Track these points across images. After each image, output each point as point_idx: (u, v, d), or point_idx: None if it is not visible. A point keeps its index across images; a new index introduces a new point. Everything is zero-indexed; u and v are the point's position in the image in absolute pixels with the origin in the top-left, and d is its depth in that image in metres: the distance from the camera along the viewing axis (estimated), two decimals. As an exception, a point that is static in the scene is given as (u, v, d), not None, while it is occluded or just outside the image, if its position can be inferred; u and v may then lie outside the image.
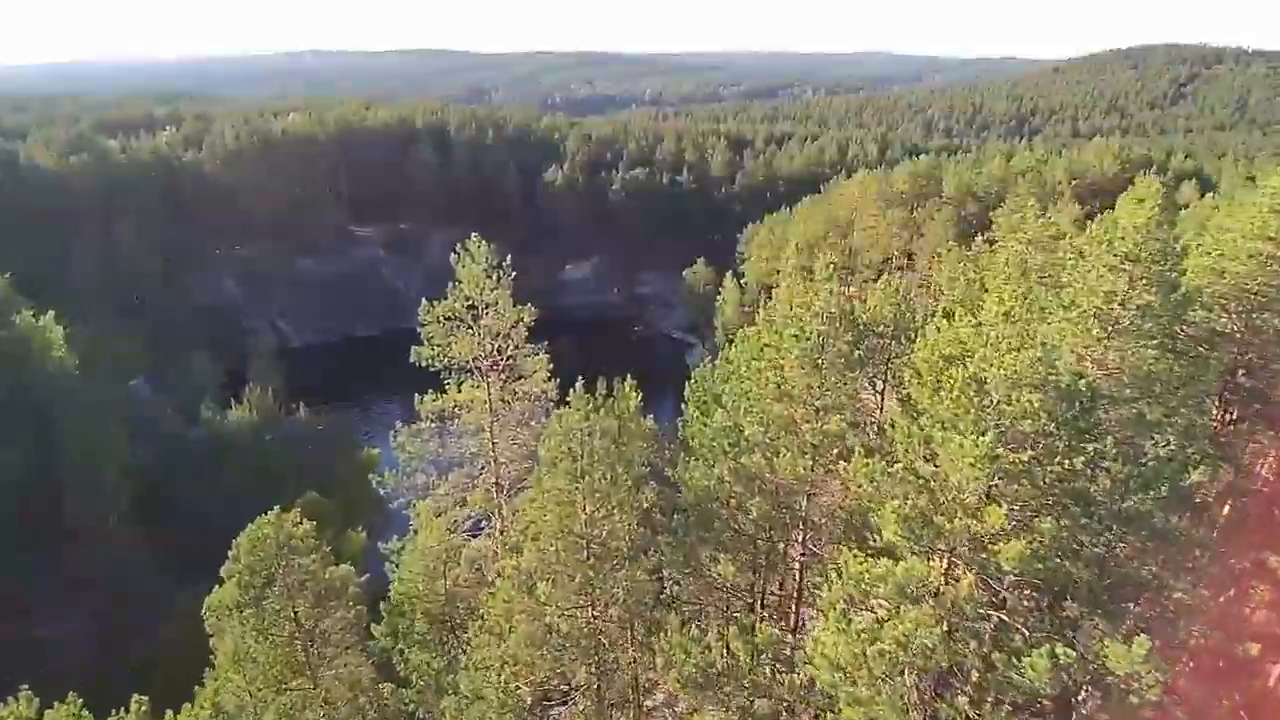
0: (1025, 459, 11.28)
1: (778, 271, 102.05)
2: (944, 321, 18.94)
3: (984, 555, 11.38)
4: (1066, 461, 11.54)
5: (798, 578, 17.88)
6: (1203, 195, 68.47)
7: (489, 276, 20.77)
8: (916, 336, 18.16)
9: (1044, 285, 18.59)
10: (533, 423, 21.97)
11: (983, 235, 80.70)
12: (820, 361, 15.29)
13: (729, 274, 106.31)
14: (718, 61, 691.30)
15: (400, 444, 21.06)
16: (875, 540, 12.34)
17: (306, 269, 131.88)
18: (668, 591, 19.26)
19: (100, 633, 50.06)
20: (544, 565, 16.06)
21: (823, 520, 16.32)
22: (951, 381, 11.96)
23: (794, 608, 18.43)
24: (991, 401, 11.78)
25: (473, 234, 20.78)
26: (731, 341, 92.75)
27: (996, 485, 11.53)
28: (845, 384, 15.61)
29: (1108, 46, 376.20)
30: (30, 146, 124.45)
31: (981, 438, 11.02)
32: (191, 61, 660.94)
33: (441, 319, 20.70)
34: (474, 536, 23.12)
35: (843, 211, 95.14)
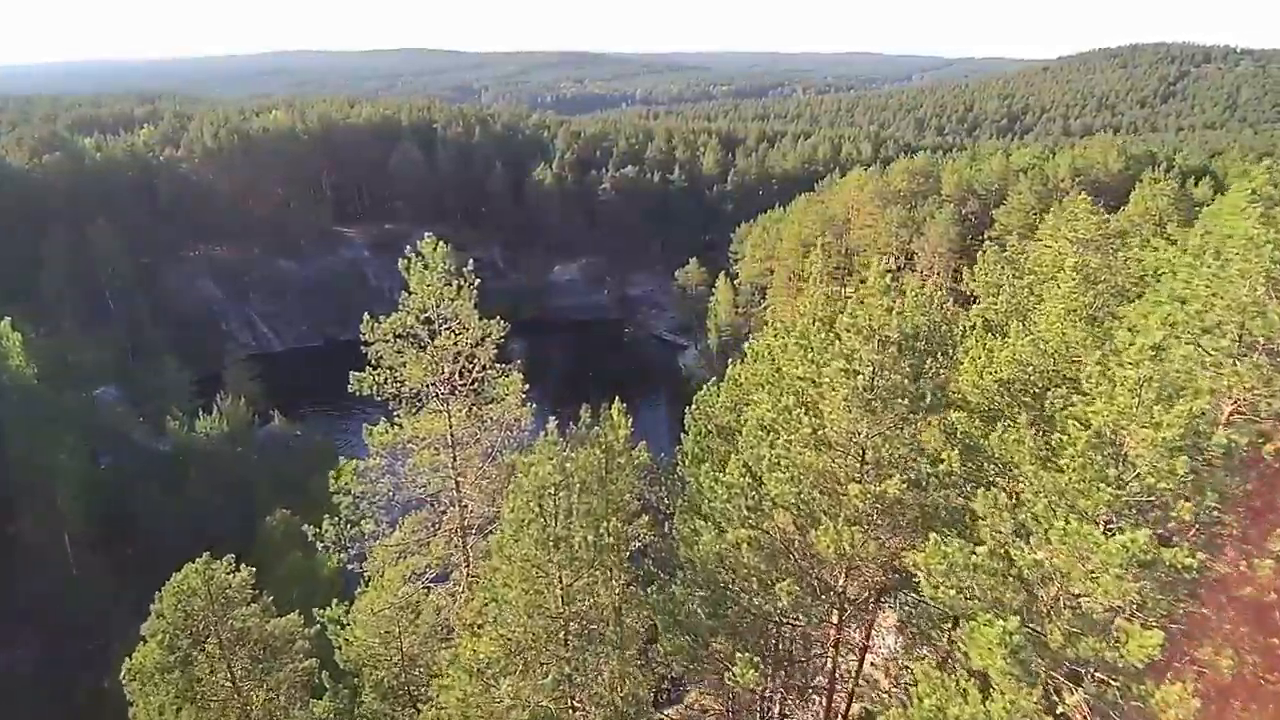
0: (1189, 561, 8.23)
1: (771, 272, 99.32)
2: (987, 335, 15.98)
3: (1120, 692, 8.38)
4: (1244, 563, 8.62)
5: (830, 665, 14.83)
6: (1215, 193, 66.10)
7: (447, 285, 17.55)
8: (955, 353, 15.32)
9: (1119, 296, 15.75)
10: (503, 456, 18.87)
11: (986, 234, 78.58)
12: (874, 402, 12.26)
13: (722, 274, 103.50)
14: (706, 61, 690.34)
15: (342, 486, 17.86)
16: (946, 637, 9.52)
17: (288, 270, 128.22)
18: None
19: (48, 664, 46.78)
20: (508, 653, 13.00)
21: (868, 601, 13.34)
22: (1071, 441, 8.94)
23: (825, 704, 15.38)
24: (1135, 475, 8.77)
25: (427, 234, 17.61)
26: (726, 347, 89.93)
27: (1147, 596, 8.48)
28: (906, 429, 12.67)
29: (1093, 46, 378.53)
30: (1, 145, 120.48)
31: (1132, 534, 8.03)
32: (176, 62, 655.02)
33: (391, 337, 17.46)
34: (440, 582, 20.01)
35: (839, 210, 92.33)
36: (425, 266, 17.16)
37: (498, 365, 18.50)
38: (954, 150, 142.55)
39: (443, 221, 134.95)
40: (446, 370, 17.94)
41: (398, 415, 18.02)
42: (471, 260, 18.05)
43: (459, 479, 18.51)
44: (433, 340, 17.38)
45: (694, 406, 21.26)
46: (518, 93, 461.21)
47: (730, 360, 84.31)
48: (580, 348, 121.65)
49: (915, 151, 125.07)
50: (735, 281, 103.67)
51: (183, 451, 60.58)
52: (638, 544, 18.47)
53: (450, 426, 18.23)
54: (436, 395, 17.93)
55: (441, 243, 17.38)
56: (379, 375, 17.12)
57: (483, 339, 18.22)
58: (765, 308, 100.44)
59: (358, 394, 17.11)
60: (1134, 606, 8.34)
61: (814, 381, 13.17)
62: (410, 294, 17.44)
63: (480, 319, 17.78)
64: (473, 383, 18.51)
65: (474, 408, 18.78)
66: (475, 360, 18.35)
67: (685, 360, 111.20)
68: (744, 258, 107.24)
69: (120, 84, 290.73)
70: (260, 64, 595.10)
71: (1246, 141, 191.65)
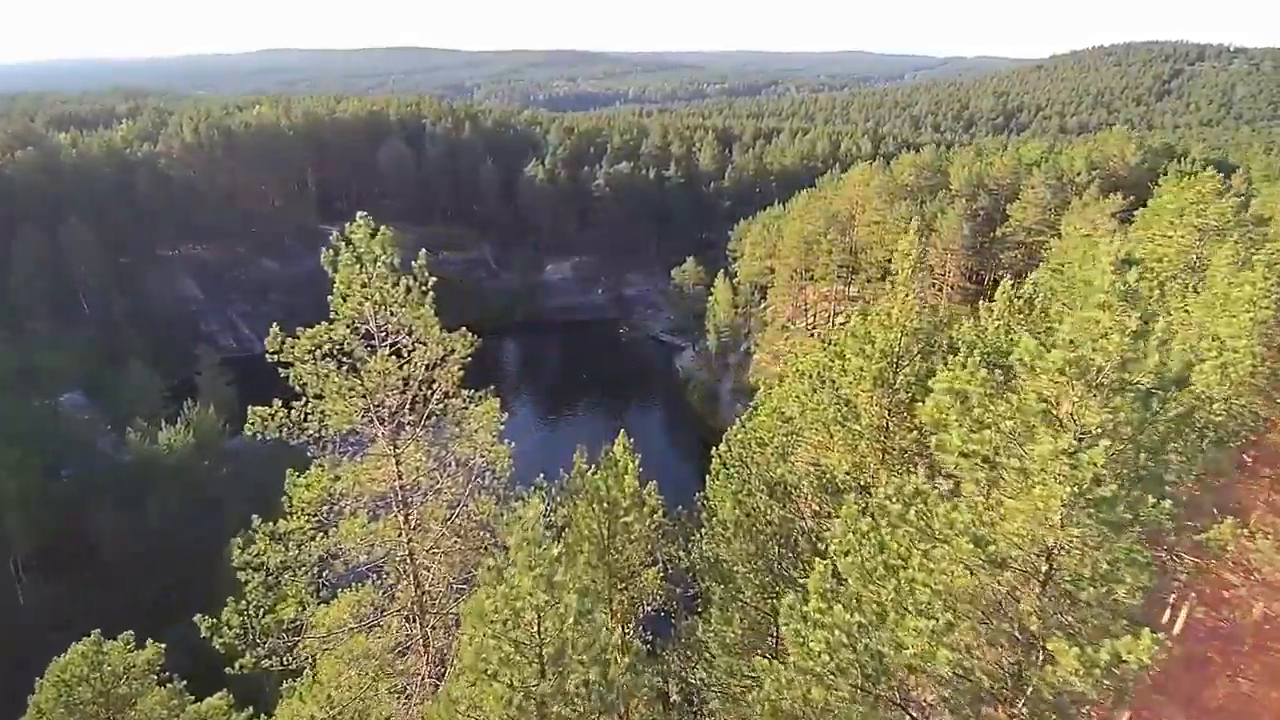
0: None
1: (772, 271, 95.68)
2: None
3: None
4: None
5: None
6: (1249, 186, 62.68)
7: (393, 285, 13.02)
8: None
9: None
10: (473, 505, 14.65)
11: (999, 230, 75.23)
12: (1103, 509, 7.31)
13: (720, 273, 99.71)
14: (700, 60, 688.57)
15: (252, 559, 12.98)
16: None
17: (271, 269, 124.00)
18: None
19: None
20: None
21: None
22: None
23: None
24: None
25: (359, 213, 13.30)
26: (725, 348, 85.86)
27: None
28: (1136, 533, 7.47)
29: (1081, 46, 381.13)
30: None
31: None
32: (165, 60, 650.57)
33: (314, 356, 12.73)
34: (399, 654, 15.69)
35: (843, 206, 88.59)
36: (359, 259, 12.99)
37: (465, 391, 14.17)
38: (954, 147, 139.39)
39: (432, 219, 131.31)
40: (393, 401, 13.42)
41: (320, 460, 13.35)
42: (422, 254, 13.69)
43: (413, 543, 14.07)
44: (374, 358, 13.11)
45: (725, 448, 16.44)
46: (510, 91, 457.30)
47: (734, 366, 79.69)
48: (574, 349, 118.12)
49: (917, 148, 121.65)
50: (734, 281, 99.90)
51: (144, 466, 56.06)
52: (648, 608, 14.61)
53: (400, 476, 13.71)
54: (381, 435, 13.47)
55: (383, 228, 13.20)
56: (300, 409, 12.85)
57: (444, 357, 13.64)
58: (765, 308, 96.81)
59: (258, 436, 12.92)
60: None
61: (985, 460, 8.36)
62: (343, 298, 12.99)
63: (444, 329, 13.46)
64: (429, 416, 14.04)
65: (432, 448, 14.22)
66: (434, 386, 13.81)
67: (683, 362, 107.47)
68: (743, 256, 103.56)
69: (108, 82, 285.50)
70: (250, 62, 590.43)
71: (1244, 138, 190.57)
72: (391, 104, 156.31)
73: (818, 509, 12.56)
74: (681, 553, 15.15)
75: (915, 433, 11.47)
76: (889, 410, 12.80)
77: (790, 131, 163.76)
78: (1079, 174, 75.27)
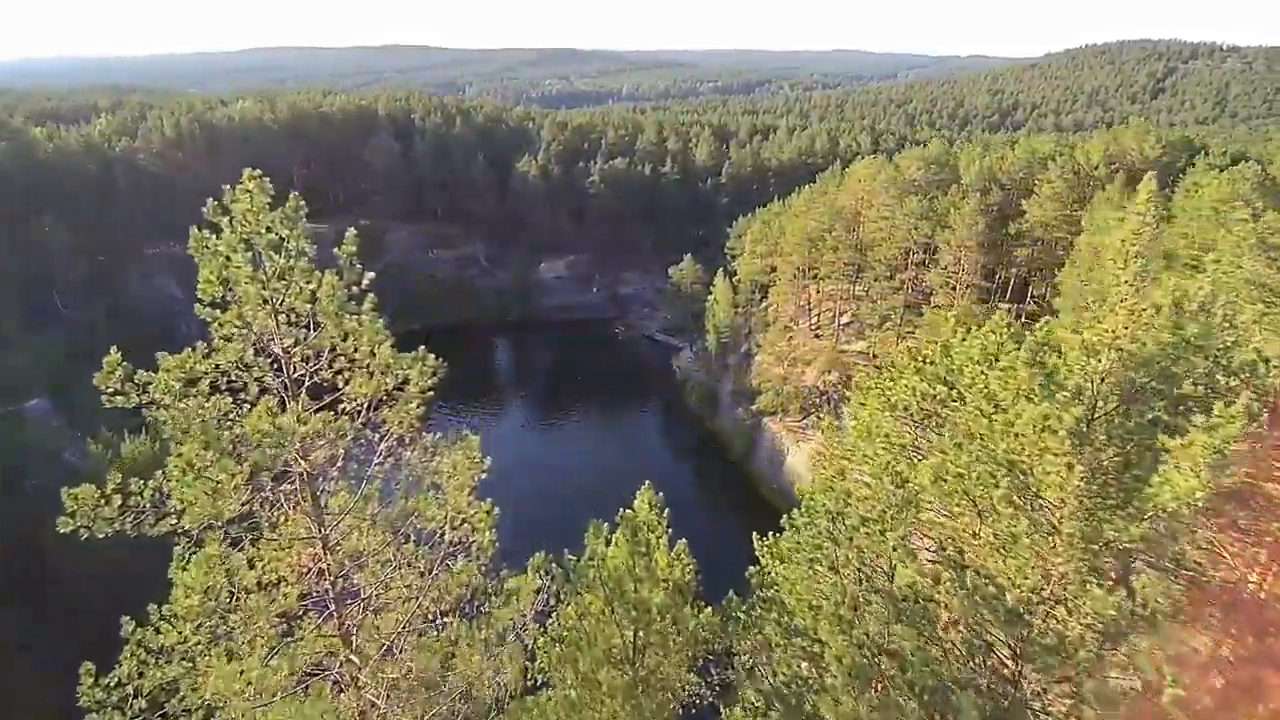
0: None
1: (773, 269, 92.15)
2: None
3: None
4: None
5: None
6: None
7: (301, 278, 8.56)
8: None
9: None
10: (444, 579, 10.31)
11: (1013, 225, 71.82)
12: None
13: (719, 272, 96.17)
14: (693, 59, 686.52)
15: (106, 694, 8.51)
16: None
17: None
18: None
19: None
20: None
21: None
22: None
23: None
24: None
25: (248, 169, 8.71)
26: (725, 349, 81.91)
27: None
28: None
29: (1075, 44, 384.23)
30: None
31: None
32: (152, 58, 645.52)
33: (182, 395, 8.65)
34: None
35: (847, 202, 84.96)
36: (246, 245, 8.43)
37: (428, 433, 9.72)
38: (954, 143, 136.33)
39: (424, 217, 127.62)
40: (317, 457, 8.83)
41: (202, 546, 8.65)
42: (351, 233, 9.41)
43: (352, 657, 9.64)
44: (290, 392, 8.84)
45: (804, 516, 11.80)
46: (503, 89, 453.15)
47: (734, 367, 75.67)
48: (570, 349, 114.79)
49: (921, 143, 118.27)
50: (734, 279, 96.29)
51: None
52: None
53: (327, 563, 9.17)
54: (294, 511, 8.99)
55: (294, 194, 9.05)
56: (156, 485, 8.49)
57: (395, 390, 9.11)
58: (766, 307, 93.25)
59: (82, 534, 8.91)
60: None
61: None
62: (213, 304, 8.66)
63: (395, 347, 8.97)
64: (374, 469, 9.48)
65: (379, 521, 9.48)
66: (384, 427, 9.34)
67: (680, 362, 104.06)
68: (742, 254, 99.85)
69: (95, 80, 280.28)
70: (239, 60, 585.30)
71: (1240, 136, 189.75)
72: (380, 99, 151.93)
73: (977, 643, 8.34)
74: (731, 665, 11.29)
75: (1142, 524, 7.40)
76: (1088, 484, 7.85)
77: (787, 128, 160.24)
78: (1096, 167, 72.03)
